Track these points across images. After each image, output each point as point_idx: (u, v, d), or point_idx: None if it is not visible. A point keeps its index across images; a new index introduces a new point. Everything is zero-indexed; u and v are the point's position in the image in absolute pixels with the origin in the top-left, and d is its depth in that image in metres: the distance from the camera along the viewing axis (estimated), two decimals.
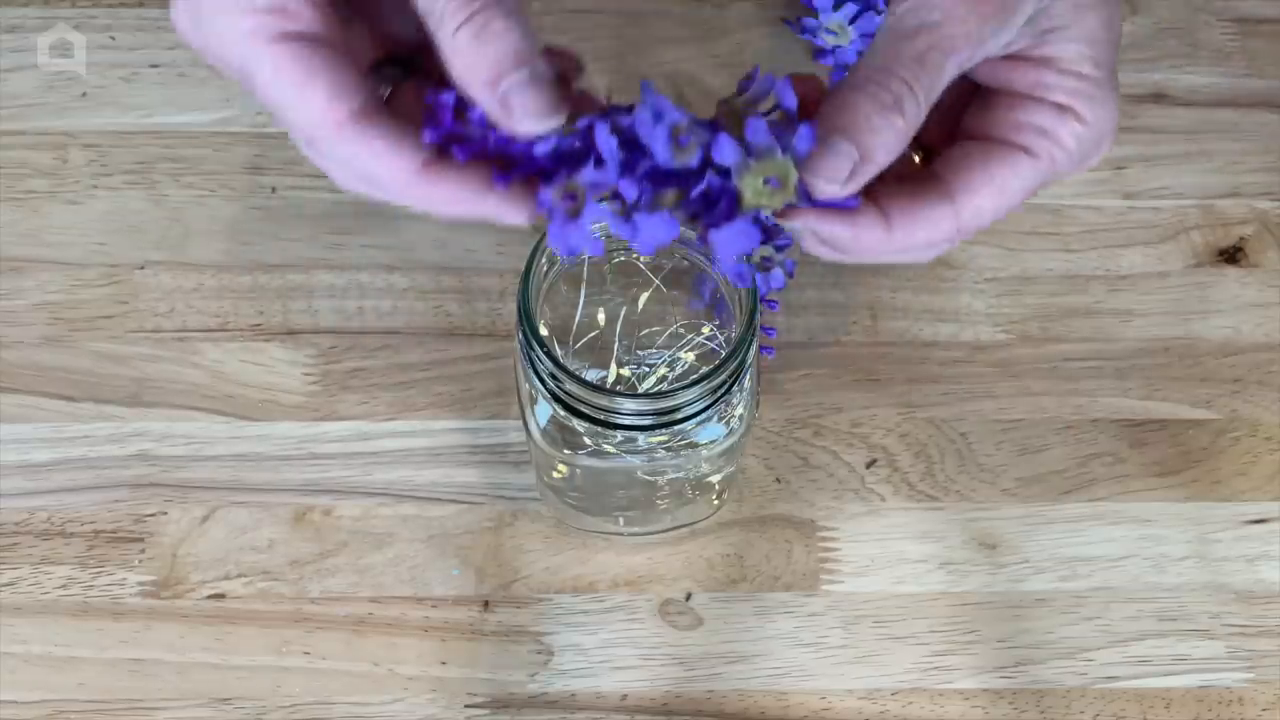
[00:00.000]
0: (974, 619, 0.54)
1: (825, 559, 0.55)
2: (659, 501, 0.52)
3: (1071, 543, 0.56)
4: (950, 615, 0.54)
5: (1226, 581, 0.55)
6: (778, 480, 0.57)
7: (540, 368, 0.44)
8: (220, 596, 0.54)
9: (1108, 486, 0.57)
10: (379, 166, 0.35)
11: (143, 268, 0.60)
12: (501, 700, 0.52)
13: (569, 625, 0.54)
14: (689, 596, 0.55)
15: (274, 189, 0.62)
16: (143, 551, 0.54)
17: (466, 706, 0.52)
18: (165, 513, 0.55)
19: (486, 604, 0.54)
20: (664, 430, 0.46)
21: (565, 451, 0.49)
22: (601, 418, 0.44)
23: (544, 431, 0.48)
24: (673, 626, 0.54)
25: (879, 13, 0.65)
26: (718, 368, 0.44)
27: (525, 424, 0.49)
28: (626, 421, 0.44)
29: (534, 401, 0.48)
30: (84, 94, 0.64)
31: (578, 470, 0.50)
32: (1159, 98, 0.66)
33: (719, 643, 0.54)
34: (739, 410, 0.48)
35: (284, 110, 0.35)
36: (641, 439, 0.47)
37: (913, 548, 0.56)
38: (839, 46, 0.65)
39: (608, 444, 0.47)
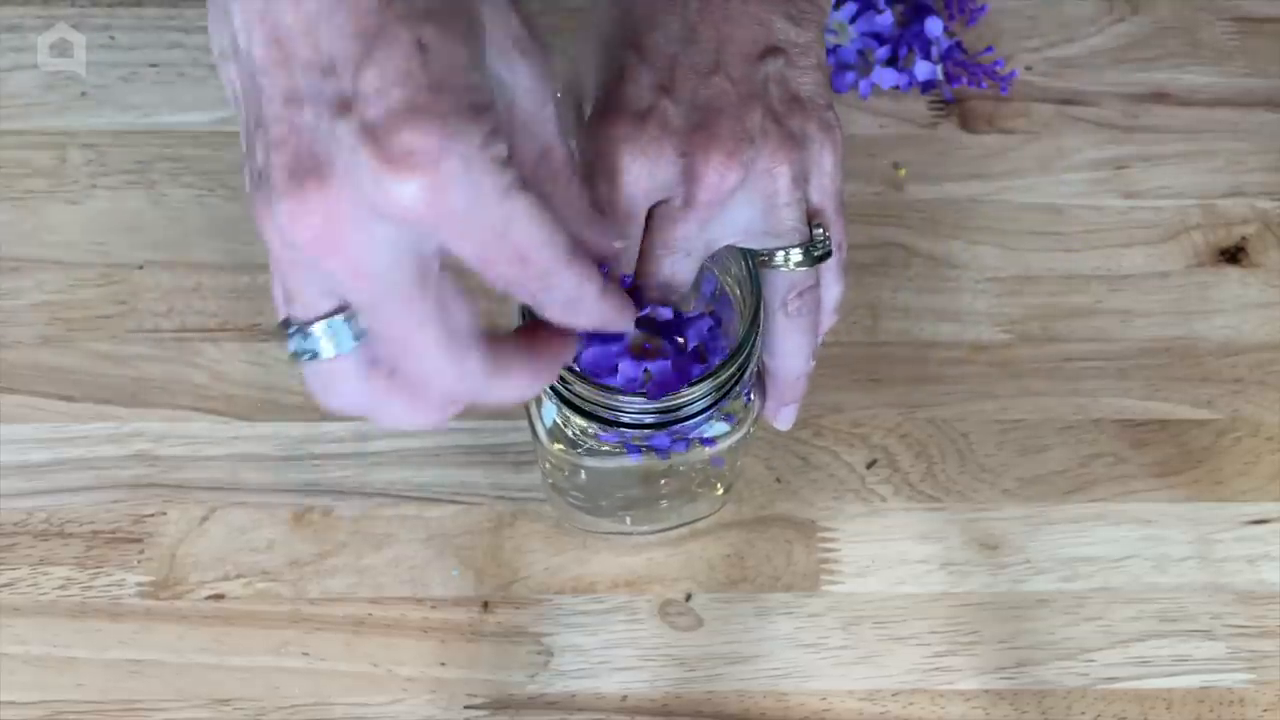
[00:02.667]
0: (975, 620, 0.54)
1: (825, 559, 0.55)
2: (663, 500, 0.52)
3: (1072, 543, 0.56)
4: (951, 616, 0.54)
5: (1228, 582, 0.55)
6: (778, 480, 0.56)
7: None
8: (219, 597, 0.54)
9: (1109, 487, 0.57)
10: (542, 232, 0.32)
11: (141, 267, 0.60)
12: (501, 701, 0.52)
13: (569, 626, 0.54)
14: (689, 597, 0.54)
15: None
16: (141, 552, 0.54)
17: (466, 707, 0.52)
18: (164, 513, 0.55)
19: (486, 605, 0.54)
20: (669, 428, 0.45)
21: (567, 449, 0.48)
22: (607, 416, 0.44)
23: (550, 431, 0.48)
24: (673, 627, 0.54)
25: (879, 12, 0.65)
26: (723, 364, 0.44)
27: (531, 424, 0.49)
28: (632, 420, 0.44)
29: (539, 402, 0.47)
30: (83, 94, 0.64)
31: (583, 469, 0.50)
32: (1160, 97, 0.66)
33: (719, 643, 0.54)
34: (743, 406, 0.48)
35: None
36: None
37: (913, 548, 0.55)
38: (840, 45, 0.65)
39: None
